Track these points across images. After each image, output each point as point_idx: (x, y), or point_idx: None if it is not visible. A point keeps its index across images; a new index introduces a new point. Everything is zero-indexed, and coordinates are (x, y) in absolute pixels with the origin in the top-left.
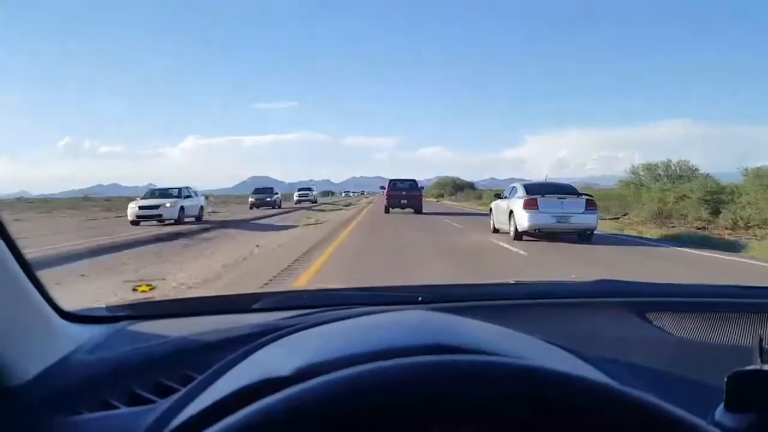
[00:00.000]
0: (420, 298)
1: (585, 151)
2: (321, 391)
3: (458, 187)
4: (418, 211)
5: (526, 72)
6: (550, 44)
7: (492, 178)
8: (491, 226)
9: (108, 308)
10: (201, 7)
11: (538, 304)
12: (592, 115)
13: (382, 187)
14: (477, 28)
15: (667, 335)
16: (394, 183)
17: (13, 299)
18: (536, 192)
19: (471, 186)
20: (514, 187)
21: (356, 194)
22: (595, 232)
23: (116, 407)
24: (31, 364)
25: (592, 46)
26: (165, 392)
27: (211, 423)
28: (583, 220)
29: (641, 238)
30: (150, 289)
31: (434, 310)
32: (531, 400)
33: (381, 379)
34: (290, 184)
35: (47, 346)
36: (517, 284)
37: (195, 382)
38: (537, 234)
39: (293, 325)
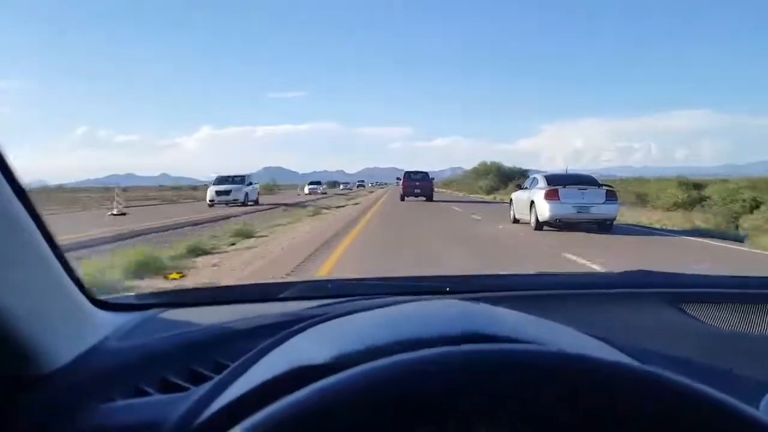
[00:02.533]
0: (448, 288)
1: (601, 141)
2: (370, 377)
3: (506, 176)
4: (429, 198)
5: (542, 61)
6: (566, 33)
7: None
8: (511, 216)
9: (137, 296)
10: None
11: (570, 295)
12: (608, 105)
13: (398, 179)
14: (492, 18)
15: (704, 326)
16: (408, 175)
17: (47, 286)
18: (557, 183)
19: (524, 174)
20: (535, 178)
21: (349, 186)
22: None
23: (149, 394)
24: (64, 350)
25: (608, 34)
26: (198, 379)
27: (248, 409)
28: (603, 210)
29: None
30: (181, 277)
31: (462, 300)
32: (596, 392)
33: (431, 366)
34: (303, 174)
35: (80, 332)
36: (547, 275)
37: (228, 369)
38: (557, 224)
39: (323, 314)
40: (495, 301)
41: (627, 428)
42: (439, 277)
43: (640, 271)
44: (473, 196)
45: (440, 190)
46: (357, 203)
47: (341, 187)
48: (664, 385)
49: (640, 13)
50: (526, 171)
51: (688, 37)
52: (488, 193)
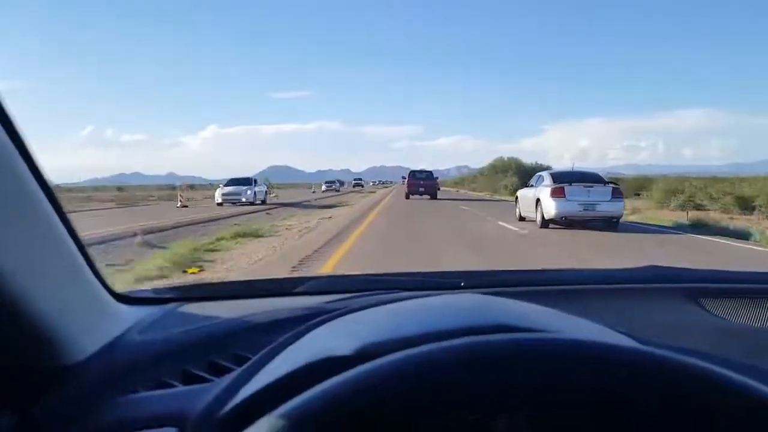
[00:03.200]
0: (462, 284)
1: (607, 140)
2: (401, 367)
3: (527, 174)
4: (434, 196)
5: (546, 60)
6: (570, 32)
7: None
8: (517, 214)
9: (156, 290)
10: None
11: (587, 290)
12: (615, 105)
13: (404, 177)
14: (495, 17)
15: (723, 321)
16: (413, 174)
17: (70, 279)
18: (563, 180)
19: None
20: (540, 175)
21: (335, 187)
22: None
23: (173, 385)
24: (87, 343)
25: (613, 33)
26: (219, 371)
27: (274, 399)
28: (609, 208)
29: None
30: (199, 271)
31: (474, 294)
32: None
33: (464, 356)
34: (309, 173)
35: (102, 326)
36: (561, 271)
37: (251, 361)
38: (563, 222)
39: (342, 308)
40: (511, 297)
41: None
42: (454, 272)
43: (656, 266)
44: (496, 197)
45: (447, 189)
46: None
47: (324, 187)
48: (706, 376)
49: (645, 11)
50: (549, 168)
51: (691, 35)
52: (514, 193)
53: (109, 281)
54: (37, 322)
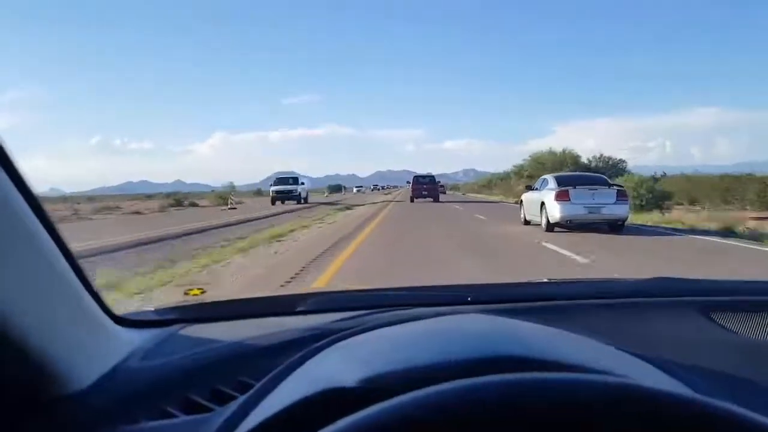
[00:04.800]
0: (469, 299)
1: (615, 141)
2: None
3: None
4: (436, 199)
5: (553, 61)
6: (577, 32)
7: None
8: (522, 218)
9: (157, 311)
10: (231, 4)
11: (595, 305)
12: (621, 104)
13: (408, 182)
14: (504, 20)
15: (734, 336)
16: (417, 178)
17: (68, 305)
18: (568, 183)
19: (617, 167)
20: (545, 179)
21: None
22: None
23: (174, 415)
24: (87, 370)
25: (620, 33)
26: (222, 399)
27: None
28: (614, 210)
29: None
30: (201, 293)
31: (485, 311)
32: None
33: (474, 398)
34: (316, 178)
35: (102, 352)
36: (569, 282)
37: (253, 390)
38: (568, 225)
39: (346, 329)
40: (519, 312)
41: None
42: (460, 286)
43: (665, 278)
44: None
45: (470, 194)
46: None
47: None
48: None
49: (650, 10)
50: (622, 163)
51: (695, 35)
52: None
53: (108, 304)
54: (33, 350)
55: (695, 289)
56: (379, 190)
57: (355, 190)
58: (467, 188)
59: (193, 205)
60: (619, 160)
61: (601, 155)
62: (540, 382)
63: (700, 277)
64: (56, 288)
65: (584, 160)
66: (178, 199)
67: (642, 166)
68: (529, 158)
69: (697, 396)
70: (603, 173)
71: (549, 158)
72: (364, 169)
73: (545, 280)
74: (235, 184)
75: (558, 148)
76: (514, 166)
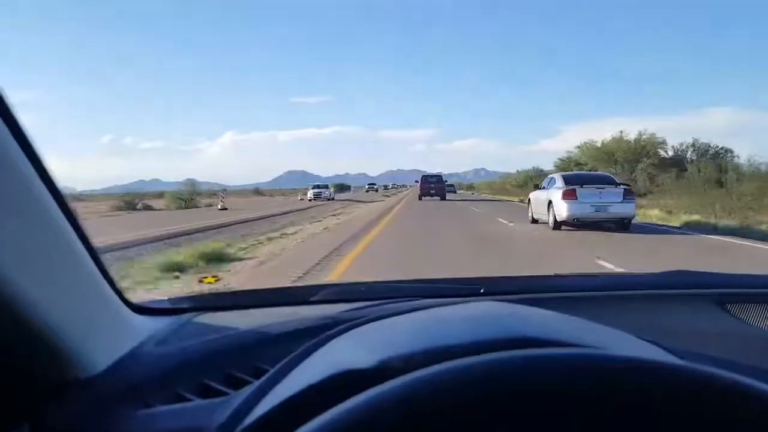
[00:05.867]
0: (482, 291)
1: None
2: (433, 382)
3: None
4: (443, 198)
5: (564, 61)
6: (588, 31)
7: (518, 171)
8: (529, 216)
9: (172, 300)
10: (247, 4)
11: (609, 297)
12: (631, 104)
13: (417, 181)
14: (513, 20)
15: (750, 328)
16: (425, 178)
17: (86, 291)
18: (575, 182)
19: (719, 155)
20: (552, 177)
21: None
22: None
23: (189, 399)
24: (102, 355)
25: (629, 32)
26: (237, 384)
27: (294, 414)
28: (620, 209)
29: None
30: (216, 281)
31: (498, 302)
32: (655, 393)
33: (492, 371)
34: (326, 177)
35: (118, 337)
36: (584, 276)
37: (268, 374)
38: (575, 224)
39: (361, 317)
40: (532, 303)
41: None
42: (473, 278)
43: (680, 271)
44: None
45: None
46: None
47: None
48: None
49: (658, 9)
50: (727, 153)
51: (712, 34)
52: None
53: (125, 292)
54: (51, 334)
55: (710, 282)
56: (375, 190)
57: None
58: (483, 187)
59: (148, 208)
60: (721, 148)
61: (695, 142)
62: (552, 358)
63: (716, 271)
64: (74, 276)
65: (668, 149)
66: (130, 200)
67: None
68: (577, 150)
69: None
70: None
71: (615, 147)
72: (374, 168)
73: (559, 274)
74: (247, 183)
75: (568, 147)
76: (561, 159)
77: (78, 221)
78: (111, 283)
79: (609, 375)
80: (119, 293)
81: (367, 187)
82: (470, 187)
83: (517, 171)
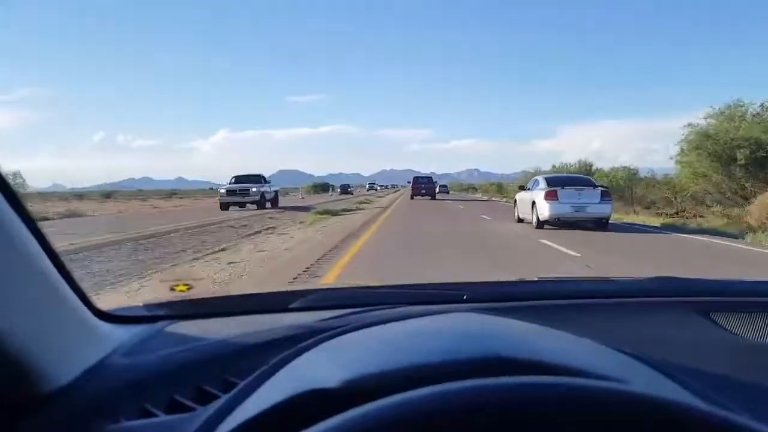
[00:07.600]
0: (465, 297)
1: (619, 142)
2: (401, 413)
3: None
4: (433, 197)
5: (558, 63)
6: (582, 34)
7: (524, 171)
8: (516, 216)
9: (144, 307)
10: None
11: (593, 305)
12: (626, 106)
13: (409, 182)
14: (509, 22)
15: (734, 337)
16: (416, 179)
17: (46, 299)
18: (556, 184)
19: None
20: (536, 180)
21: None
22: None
23: (155, 415)
24: (67, 368)
25: (625, 35)
26: (205, 399)
27: None
28: (598, 209)
29: None
30: (188, 289)
31: (480, 309)
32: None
33: (455, 404)
34: (318, 177)
35: (83, 348)
36: (567, 281)
37: (235, 390)
38: (557, 223)
39: (334, 327)
40: (515, 311)
41: None
42: (456, 284)
43: (663, 277)
44: None
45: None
46: None
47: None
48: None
49: (656, 13)
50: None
51: (706, 38)
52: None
53: (91, 298)
54: (9, 347)
55: (694, 289)
56: (375, 189)
57: (368, 187)
58: (453, 187)
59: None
60: None
61: None
62: (520, 387)
63: (700, 277)
64: (33, 281)
65: None
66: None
67: (645, 168)
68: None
69: (703, 405)
70: None
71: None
72: (368, 167)
73: (543, 279)
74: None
75: (562, 148)
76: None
77: (34, 220)
78: (75, 288)
79: (572, 409)
80: (85, 299)
81: (368, 186)
82: (471, 188)
83: (523, 172)
